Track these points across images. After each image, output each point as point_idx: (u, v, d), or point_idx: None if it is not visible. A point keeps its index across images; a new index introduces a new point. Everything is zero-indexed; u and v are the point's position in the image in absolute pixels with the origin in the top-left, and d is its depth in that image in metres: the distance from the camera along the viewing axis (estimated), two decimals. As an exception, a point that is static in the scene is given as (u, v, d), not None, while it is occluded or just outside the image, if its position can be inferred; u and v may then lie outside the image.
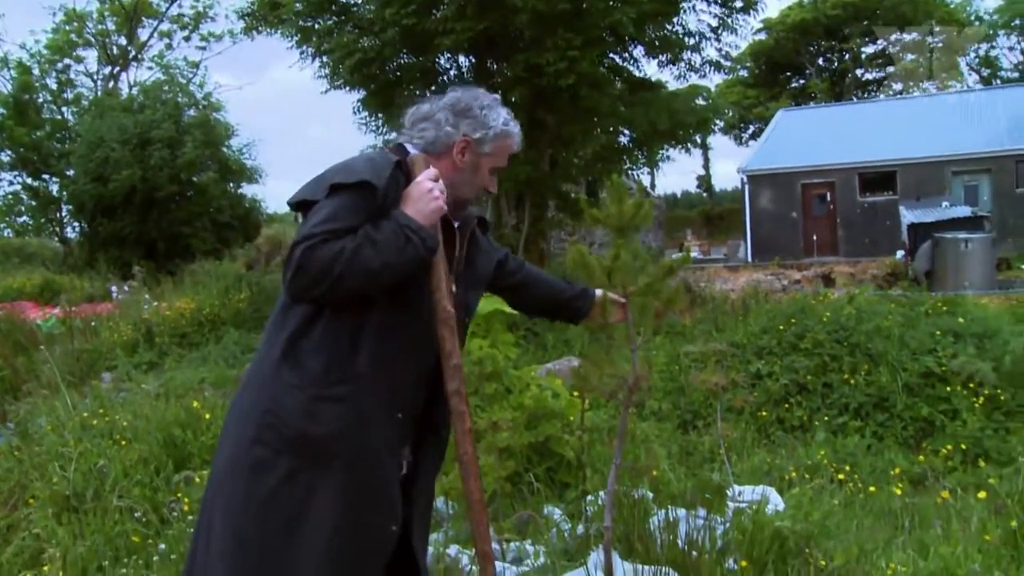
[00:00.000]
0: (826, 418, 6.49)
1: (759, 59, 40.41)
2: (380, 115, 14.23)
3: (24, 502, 4.33)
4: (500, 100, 2.09)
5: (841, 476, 5.07)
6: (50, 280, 18.08)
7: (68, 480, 4.14)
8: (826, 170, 25.22)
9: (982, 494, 4.28)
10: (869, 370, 6.74)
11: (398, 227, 1.81)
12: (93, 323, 11.38)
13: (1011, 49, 39.62)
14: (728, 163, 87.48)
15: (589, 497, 3.71)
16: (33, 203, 27.70)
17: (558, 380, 4.86)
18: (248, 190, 23.75)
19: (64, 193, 25.10)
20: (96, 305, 13.49)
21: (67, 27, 28.83)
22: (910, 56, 37.08)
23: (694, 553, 2.97)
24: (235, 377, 7.54)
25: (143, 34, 30.56)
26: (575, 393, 4.30)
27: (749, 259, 24.82)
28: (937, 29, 35.66)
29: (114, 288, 15.00)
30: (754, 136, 39.13)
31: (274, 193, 76.17)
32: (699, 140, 17.52)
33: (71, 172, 22.68)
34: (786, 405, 6.72)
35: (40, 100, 27.94)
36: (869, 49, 38.95)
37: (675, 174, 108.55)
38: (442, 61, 13.63)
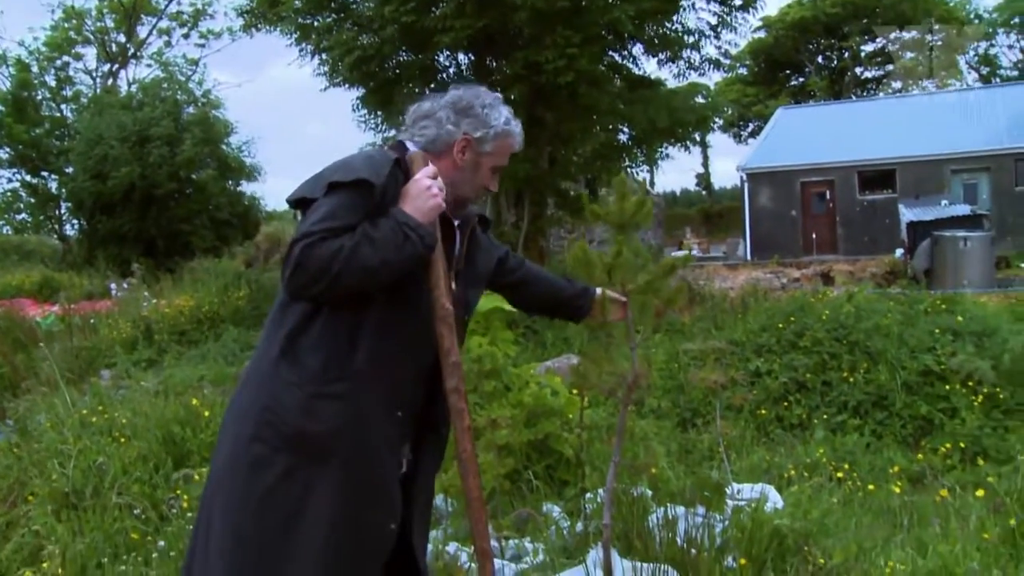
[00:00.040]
0: (825, 416, 6.50)
1: (758, 57, 40.36)
2: (379, 112, 14.24)
3: (23, 499, 4.33)
4: (502, 99, 2.08)
5: (840, 474, 5.08)
6: (49, 277, 18.06)
7: (67, 477, 4.13)
8: (825, 168, 25.23)
9: (981, 492, 4.27)
10: (868, 368, 6.74)
11: (396, 225, 1.81)
12: (92, 320, 11.39)
13: (1010, 47, 39.66)
14: (727, 161, 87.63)
15: (588, 495, 3.71)
16: (32, 200, 27.77)
17: (557, 378, 4.87)
18: (247, 188, 23.78)
19: (63, 190, 25.10)
20: (95, 302, 13.49)
21: (66, 24, 28.83)
22: (909, 54, 37.09)
23: (693, 551, 2.97)
24: (234, 375, 7.55)
25: (142, 31, 30.61)
26: (574, 391, 4.29)
27: (748, 257, 24.82)
28: (936, 27, 35.66)
29: (113, 285, 15.02)
30: (753, 134, 39.07)
31: (273, 191, 76.15)
32: (698, 138, 17.54)
33: (70, 169, 22.67)
34: (785, 403, 6.73)
35: (39, 97, 27.96)
36: (869, 47, 38.96)
37: (674, 172, 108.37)
38: (441, 59, 13.64)
